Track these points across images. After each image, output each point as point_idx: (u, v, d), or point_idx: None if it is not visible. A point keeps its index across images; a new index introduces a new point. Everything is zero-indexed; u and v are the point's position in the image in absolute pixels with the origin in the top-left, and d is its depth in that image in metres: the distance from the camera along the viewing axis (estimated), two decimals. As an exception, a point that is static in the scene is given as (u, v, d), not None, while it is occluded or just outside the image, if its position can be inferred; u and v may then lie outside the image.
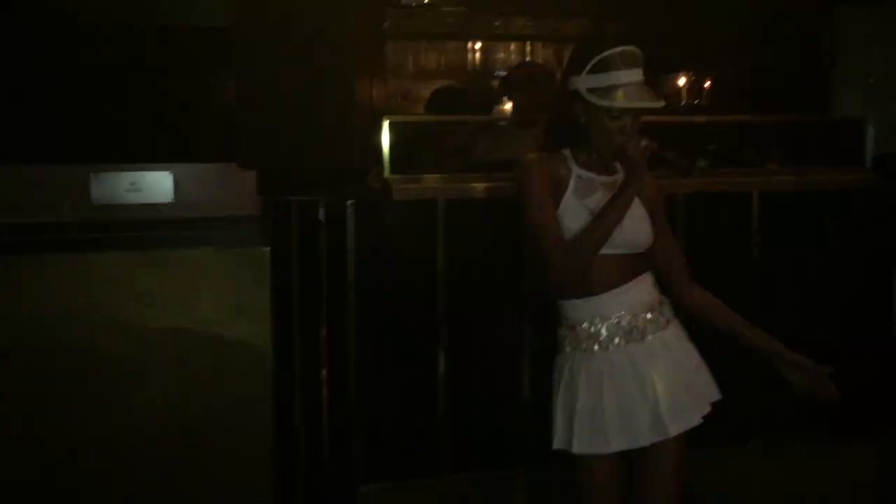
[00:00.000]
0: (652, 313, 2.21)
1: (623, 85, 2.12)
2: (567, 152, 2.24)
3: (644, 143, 2.13)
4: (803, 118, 3.41)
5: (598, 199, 2.18)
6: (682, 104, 4.50)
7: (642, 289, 2.23)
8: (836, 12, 3.32)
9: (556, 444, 2.23)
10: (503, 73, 4.48)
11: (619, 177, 2.23)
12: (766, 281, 3.02)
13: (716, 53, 4.17)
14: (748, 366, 2.76)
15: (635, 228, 2.20)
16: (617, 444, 2.16)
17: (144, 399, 2.68)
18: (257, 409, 2.73)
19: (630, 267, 2.21)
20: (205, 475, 2.70)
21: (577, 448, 2.18)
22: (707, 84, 4.43)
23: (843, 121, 3.38)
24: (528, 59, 5.03)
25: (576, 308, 2.22)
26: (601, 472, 2.21)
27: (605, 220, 2.13)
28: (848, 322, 3.11)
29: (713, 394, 2.24)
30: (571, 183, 2.20)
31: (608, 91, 2.12)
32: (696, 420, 2.18)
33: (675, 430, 2.15)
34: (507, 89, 3.62)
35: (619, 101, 2.12)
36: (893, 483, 3.12)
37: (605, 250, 2.16)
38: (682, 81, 4.46)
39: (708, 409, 2.20)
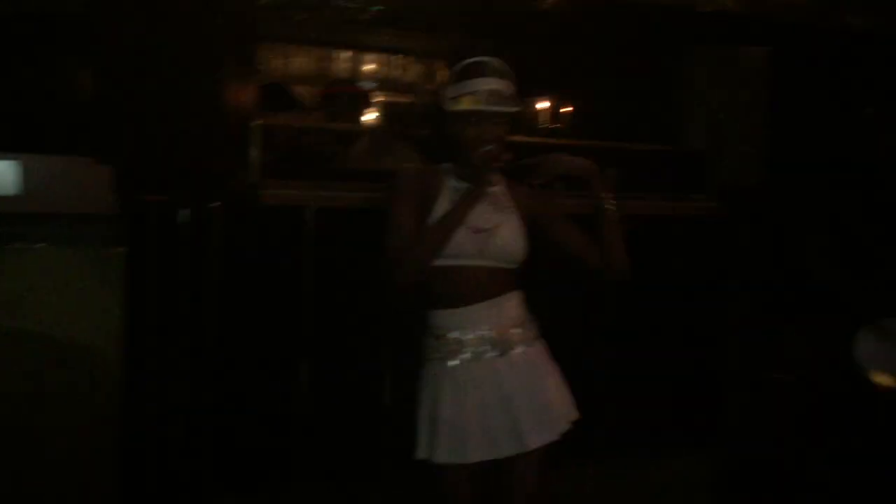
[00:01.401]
0: (520, 329, 2.25)
1: (481, 91, 2.15)
2: (448, 166, 2.27)
3: (489, 149, 2.14)
4: (651, 148, 3.61)
5: (474, 210, 2.19)
6: (541, 127, 4.67)
7: (512, 304, 2.27)
8: (692, 51, 3.55)
9: (419, 453, 2.24)
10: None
11: (498, 188, 2.26)
12: (610, 301, 3.16)
13: (576, 81, 4.36)
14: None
15: (509, 242, 2.23)
16: (476, 455, 2.18)
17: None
18: (105, 418, 2.59)
19: (502, 281, 2.25)
20: (44, 488, 2.53)
21: (439, 458, 2.20)
22: (566, 110, 4.62)
23: (689, 152, 3.59)
24: (397, 71, 5.07)
25: (444, 317, 2.24)
26: (461, 483, 2.22)
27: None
28: (680, 344, 3.30)
29: (571, 413, 2.29)
30: (444, 194, 2.22)
31: (467, 97, 2.15)
32: (554, 436, 2.22)
33: (533, 443, 2.19)
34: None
35: (474, 104, 2.14)
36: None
37: (476, 261, 2.20)
38: (542, 105, 4.63)
39: (567, 426, 2.25)
